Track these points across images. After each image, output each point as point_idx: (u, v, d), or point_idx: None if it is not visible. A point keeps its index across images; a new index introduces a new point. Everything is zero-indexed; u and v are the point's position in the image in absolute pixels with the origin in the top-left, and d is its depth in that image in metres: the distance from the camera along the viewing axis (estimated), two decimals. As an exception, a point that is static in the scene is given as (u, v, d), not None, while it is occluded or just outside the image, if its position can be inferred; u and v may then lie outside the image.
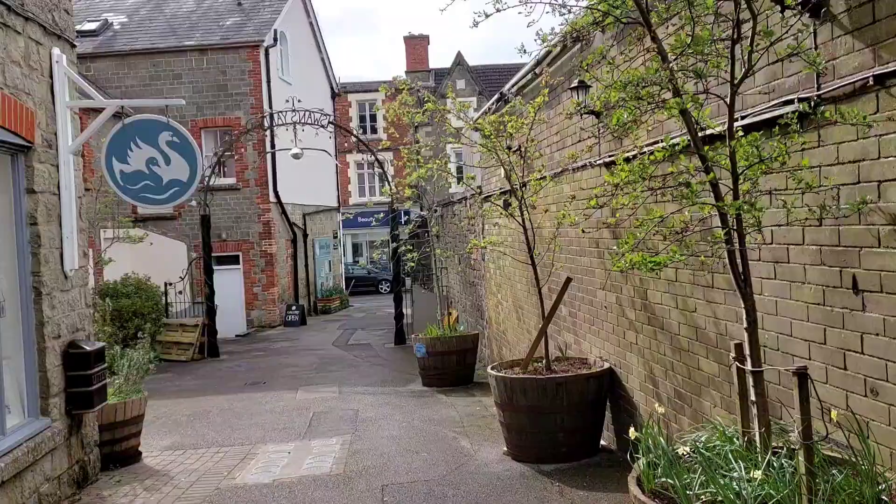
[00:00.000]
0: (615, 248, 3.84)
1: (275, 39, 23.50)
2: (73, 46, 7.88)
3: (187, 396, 12.95)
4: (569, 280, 7.13)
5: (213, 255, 23.29)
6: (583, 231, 7.28)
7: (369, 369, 14.88)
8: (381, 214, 17.72)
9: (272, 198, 23.43)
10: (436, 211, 18.79)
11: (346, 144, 37.95)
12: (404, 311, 18.77)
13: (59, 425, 6.89)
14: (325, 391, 12.56)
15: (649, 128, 5.83)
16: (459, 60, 38.85)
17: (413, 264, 14.82)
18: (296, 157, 18.89)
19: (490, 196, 12.51)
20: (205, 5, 25.68)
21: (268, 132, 21.27)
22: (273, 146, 22.50)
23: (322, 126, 18.26)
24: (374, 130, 39.26)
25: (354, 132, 19.09)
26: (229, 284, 23.33)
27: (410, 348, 17.21)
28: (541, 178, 7.95)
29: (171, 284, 18.65)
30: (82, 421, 7.38)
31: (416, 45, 40.82)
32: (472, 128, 9.43)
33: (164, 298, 18.70)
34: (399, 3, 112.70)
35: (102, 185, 21.09)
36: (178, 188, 7.41)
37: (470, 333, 12.64)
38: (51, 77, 7.22)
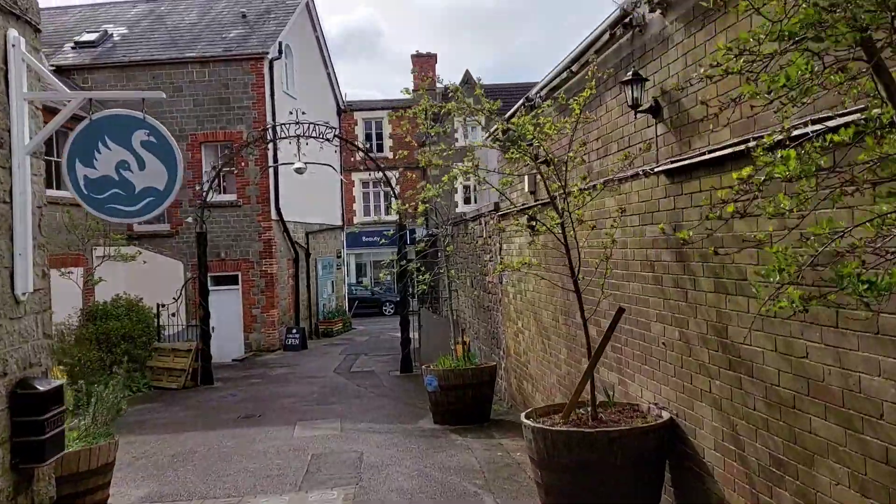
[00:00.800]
0: (763, 277, 2.54)
1: (280, 52, 22.45)
2: (38, 31, 6.69)
3: (174, 431, 11.65)
4: (621, 311, 5.87)
5: (210, 274, 22.08)
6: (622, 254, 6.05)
7: (374, 401, 13.57)
8: (390, 233, 16.48)
9: (274, 215, 22.25)
10: (447, 229, 17.59)
11: (351, 161, 36.88)
12: (411, 335, 17.49)
13: (1, 483, 5.62)
14: (325, 427, 11.26)
15: (734, 120, 4.62)
16: (468, 79, 37.72)
17: (425, 287, 13.55)
18: (299, 171, 17.73)
19: (509, 213, 11.30)
20: (208, 17, 24.69)
21: (270, 146, 20.13)
22: (276, 160, 21.34)
23: (327, 139, 17.13)
24: (380, 149, 38.17)
25: (360, 145, 17.98)
26: (227, 306, 22.09)
27: (417, 377, 15.93)
28: (586, 189, 6.70)
29: (163, 306, 17.42)
30: (33, 476, 6.09)
31: (424, 64, 39.81)
32: (502, 129, 8.20)
33: (156, 321, 17.43)
34: (401, 29, 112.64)
35: None
36: (154, 198, 6.17)
37: (487, 365, 11.35)
38: (4, 64, 6.02)
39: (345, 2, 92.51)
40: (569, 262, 5.98)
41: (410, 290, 17.88)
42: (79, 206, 16.87)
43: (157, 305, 17.35)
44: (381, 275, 13.97)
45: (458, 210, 32.25)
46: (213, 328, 22.08)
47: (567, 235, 6.33)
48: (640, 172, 6.13)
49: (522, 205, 10.38)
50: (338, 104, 29.44)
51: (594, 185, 6.75)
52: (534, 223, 9.81)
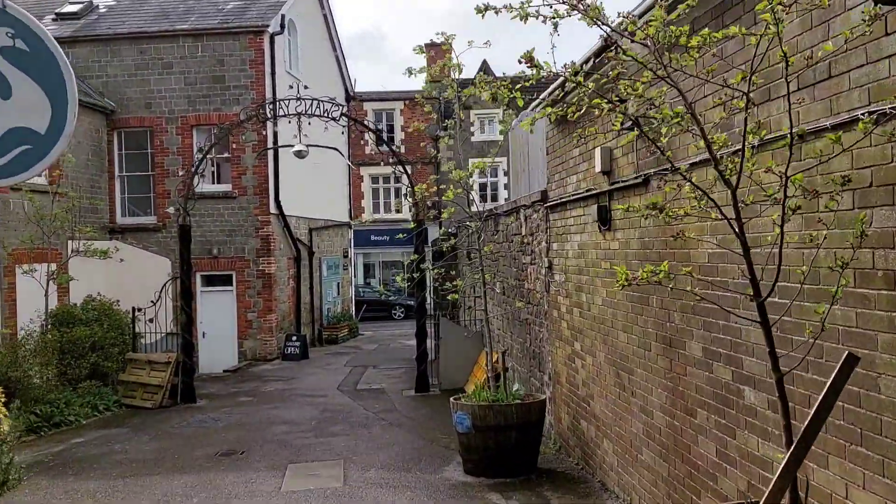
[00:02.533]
0: None
1: (282, 26, 19.88)
2: None
3: (130, 475, 9.05)
4: (853, 360, 3.23)
5: (201, 273, 19.59)
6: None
7: (386, 433, 10.96)
8: (402, 235, 13.92)
9: (273, 209, 19.67)
10: (477, 224, 14.99)
11: (360, 155, 34.35)
12: (428, 349, 14.88)
13: None
14: (324, 475, 8.66)
15: None
16: (485, 68, 35.19)
17: (457, 297, 10.94)
18: (299, 155, 15.15)
19: (564, 202, 8.68)
20: (204, -11, 22.13)
21: (268, 126, 17.55)
22: (276, 142, 18.73)
23: (333, 119, 14.54)
24: (391, 141, 35.56)
25: (370, 125, 15.39)
26: (220, 309, 19.54)
27: (435, 399, 13.34)
28: (773, 141, 3.99)
29: (140, 310, 14.84)
30: None
31: (437, 54, 37.25)
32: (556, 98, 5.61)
33: (131, 328, 14.84)
34: (406, 31, 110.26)
35: (63, 186, 17.42)
36: (31, 147, 3.59)
37: (535, 400, 8.67)
38: None
39: (346, 5, 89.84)
40: (749, 269, 3.34)
41: (430, 296, 15.30)
42: (45, 193, 14.19)
43: (133, 310, 14.78)
44: (398, 279, 11.16)
45: (473, 209, 29.60)
46: (203, 334, 19.59)
47: (735, 220, 3.65)
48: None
49: (587, 191, 7.76)
50: (347, 90, 26.85)
51: (799, 137, 3.99)
52: (607, 214, 7.19)
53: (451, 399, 8.72)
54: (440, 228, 35.57)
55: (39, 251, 14.59)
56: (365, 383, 15.75)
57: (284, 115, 14.58)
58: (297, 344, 19.68)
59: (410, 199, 14.23)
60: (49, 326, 14.44)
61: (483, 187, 33.74)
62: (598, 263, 7.56)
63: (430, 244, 18.31)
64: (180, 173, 14.86)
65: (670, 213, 3.96)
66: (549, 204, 9.39)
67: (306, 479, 8.53)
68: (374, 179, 35.84)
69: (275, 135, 18.67)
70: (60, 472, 9.26)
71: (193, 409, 13.61)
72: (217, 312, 19.55)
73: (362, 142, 34.90)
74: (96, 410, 13.12)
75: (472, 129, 34.75)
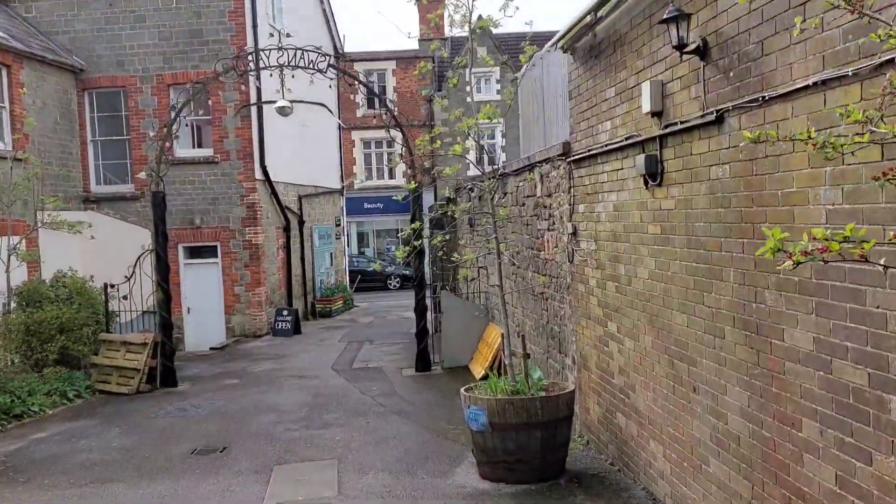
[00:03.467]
0: None
1: (263, -25, 18.16)
2: None
3: (89, 483, 7.72)
4: None
5: (184, 245, 18.15)
6: None
7: (386, 423, 9.64)
8: (400, 197, 12.46)
9: (258, 174, 18.14)
10: (471, 190, 13.54)
11: (351, 119, 32.67)
12: (429, 324, 13.53)
13: None
14: (314, 482, 7.34)
15: None
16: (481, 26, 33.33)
17: (468, 271, 9.50)
18: (282, 111, 13.58)
19: (594, 154, 7.25)
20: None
21: (250, 83, 15.94)
22: (259, 98, 17.10)
23: (319, 70, 12.98)
24: (383, 104, 33.85)
25: (363, 80, 13.80)
26: (205, 283, 18.13)
27: (438, 379, 12.05)
28: None
29: (113, 287, 13.39)
30: None
31: (430, 10, 35.36)
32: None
33: (105, 306, 13.39)
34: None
35: (29, 153, 15.79)
36: None
37: (563, 391, 7.27)
38: None
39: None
40: None
41: (428, 268, 13.92)
42: (5, 160, 12.54)
43: (105, 286, 13.32)
44: (397, 252, 9.67)
45: (470, 172, 28.11)
46: (188, 310, 18.22)
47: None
48: None
49: (628, 138, 6.32)
50: (335, 46, 25.07)
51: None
52: (657, 166, 5.78)
53: (462, 391, 7.37)
54: (435, 195, 34.12)
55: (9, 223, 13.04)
56: (361, 361, 14.43)
57: (266, 68, 12.99)
58: (289, 318, 18.31)
59: (407, 158, 12.78)
60: (13, 306, 13.03)
61: (479, 148, 32.17)
62: (643, 227, 6.16)
63: (426, 211, 16.85)
64: (151, 134, 13.31)
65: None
66: (573, 158, 7.95)
67: (294, 486, 7.21)
68: (367, 144, 34.18)
69: (258, 91, 17.04)
70: (10, 480, 7.91)
71: (173, 394, 12.26)
72: (202, 286, 18.14)
73: (354, 101, 33.16)
74: (65, 398, 11.75)
75: (467, 88, 32.98)
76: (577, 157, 7.80)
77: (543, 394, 7.05)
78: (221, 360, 15.26)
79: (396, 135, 14.91)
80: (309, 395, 11.50)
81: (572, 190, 8.11)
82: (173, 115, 12.97)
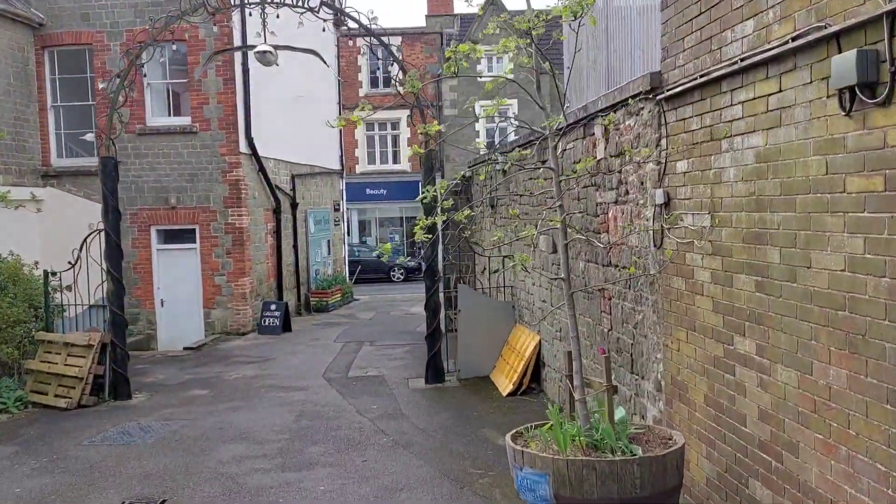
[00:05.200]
0: None
1: (252, -81, 15.45)
2: None
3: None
4: None
5: (157, 228, 15.57)
6: None
7: (388, 463, 7.04)
8: (416, 151, 9.87)
9: (243, 147, 15.52)
10: (494, 159, 10.89)
11: (353, 98, 29.98)
12: (442, 323, 10.90)
13: None
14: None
15: None
16: (493, 0, 30.70)
17: (496, 267, 6.78)
18: (264, 59, 10.94)
19: (720, 79, 4.63)
20: None
21: (234, 34, 13.30)
22: (244, 41, 14.45)
23: (310, 9, 10.39)
24: (387, 83, 31.15)
25: (358, 17, 11.16)
26: (181, 271, 15.56)
27: (454, 393, 9.46)
28: None
29: (54, 275, 10.76)
30: None
31: (439, -15, 32.74)
32: None
33: (45, 298, 10.74)
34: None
35: None
36: None
37: (668, 446, 4.61)
38: None
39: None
40: None
41: (443, 256, 11.33)
42: None
43: (46, 274, 10.68)
44: (417, 225, 6.92)
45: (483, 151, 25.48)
46: (161, 302, 15.63)
47: None
48: None
49: (796, 36, 3.70)
50: (337, 14, 22.28)
51: None
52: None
53: (509, 441, 4.76)
54: (442, 181, 31.63)
55: None
56: (359, 367, 11.84)
57: (245, 4, 10.36)
58: (277, 314, 15.72)
59: (401, 88, 10.17)
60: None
61: (490, 133, 29.54)
62: (835, 183, 3.54)
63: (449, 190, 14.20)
64: (100, 85, 10.71)
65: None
66: (668, 93, 5.32)
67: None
68: (369, 126, 31.51)
69: (243, 37, 14.41)
70: None
71: (123, 409, 9.67)
72: (178, 276, 15.57)
73: (357, 80, 30.59)
74: (-17, 415, 9.19)
75: (478, 67, 30.33)
76: (676, 89, 5.18)
77: (639, 450, 4.43)
78: (193, 364, 12.67)
79: (399, 119, 12.23)
80: (291, 415, 8.92)
81: (665, 141, 5.49)
82: (126, 62, 10.30)
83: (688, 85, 5.01)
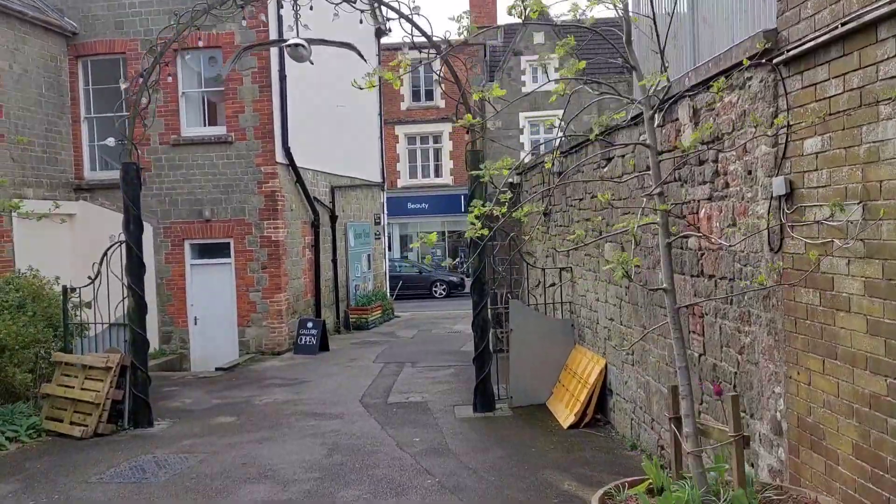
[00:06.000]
0: None
1: (289, -79, 14.69)
2: None
3: None
4: None
5: (191, 242, 14.77)
6: None
7: (434, 512, 5.87)
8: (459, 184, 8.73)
9: (280, 156, 14.66)
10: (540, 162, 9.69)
11: (394, 112, 29.20)
12: (490, 344, 9.70)
13: None
14: None
15: None
16: (539, 9, 29.58)
17: (623, 272, 5.61)
18: (296, 55, 9.94)
19: (873, 22, 3.39)
20: None
21: (269, 23, 12.44)
22: (281, 58, 13.67)
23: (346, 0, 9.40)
24: (429, 96, 30.31)
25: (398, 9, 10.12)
26: (215, 287, 14.71)
27: (507, 424, 8.24)
28: None
29: (73, 291, 9.90)
30: None
31: (482, 4, 31.81)
32: None
33: (63, 317, 9.87)
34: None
35: (2, 127, 12.20)
36: None
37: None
38: None
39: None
40: None
41: (493, 269, 10.18)
42: None
43: (65, 290, 9.82)
44: (470, 215, 5.76)
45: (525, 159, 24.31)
46: (195, 320, 14.79)
47: None
48: None
49: None
50: (377, 19, 21.48)
51: None
52: None
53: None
54: (484, 197, 30.46)
55: None
56: (400, 392, 10.70)
57: (275, -5, 9.44)
58: (314, 332, 14.72)
59: (447, 81, 9.20)
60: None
61: (535, 147, 28.31)
62: None
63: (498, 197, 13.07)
64: (122, 87, 9.89)
65: None
66: (796, 51, 4.09)
67: None
68: (411, 139, 30.64)
69: (279, 33, 13.57)
70: None
71: (142, 439, 8.70)
72: (212, 292, 14.72)
73: (398, 93, 29.76)
74: (-10, 444, 8.30)
75: (522, 78, 29.25)
76: (802, 47, 3.95)
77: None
78: (224, 387, 11.71)
79: (441, 132, 11.15)
80: (323, 449, 7.81)
81: (784, 116, 4.26)
82: (152, 58, 9.45)
83: (822, 38, 3.79)
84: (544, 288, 9.95)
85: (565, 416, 8.38)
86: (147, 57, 9.51)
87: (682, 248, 5.94)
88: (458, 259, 30.93)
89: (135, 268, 9.30)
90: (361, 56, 11.05)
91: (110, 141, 13.57)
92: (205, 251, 14.83)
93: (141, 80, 9.36)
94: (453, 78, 9.49)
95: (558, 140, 9.22)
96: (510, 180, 14.58)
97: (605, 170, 7.77)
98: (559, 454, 7.23)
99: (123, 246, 9.39)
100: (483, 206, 4.45)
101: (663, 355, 6.48)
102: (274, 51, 14.22)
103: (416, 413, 9.34)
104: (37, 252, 13.27)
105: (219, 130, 14.71)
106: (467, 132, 9.74)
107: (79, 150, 14.94)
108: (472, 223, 4.38)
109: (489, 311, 9.93)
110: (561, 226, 10.03)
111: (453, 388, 10.70)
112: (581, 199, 8.96)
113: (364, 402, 10.08)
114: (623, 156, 7.28)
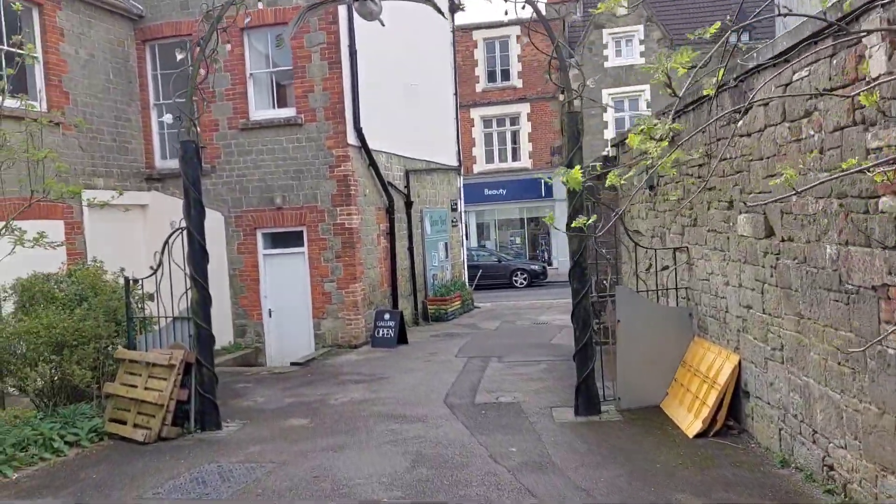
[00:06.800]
0: None
1: None
2: None
3: None
4: None
5: (263, 231, 14.01)
6: None
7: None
8: (546, 178, 7.42)
9: (351, 138, 13.68)
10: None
11: (469, 95, 27.99)
12: (593, 337, 8.33)
13: None
14: None
15: None
16: (618, -21, 27.70)
17: (666, 264, 3.86)
18: (364, 9, 8.79)
19: None
20: None
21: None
22: (350, 19, 12.73)
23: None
24: (505, 76, 28.93)
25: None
26: (288, 278, 13.91)
27: (614, 430, 6.89)
28: None
29: (136, 282, 9.14)
30: None
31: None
32: None
33: (126, 310, 9.14)
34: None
35: (71, 115, 11.57)
36: None
37: None
38: None
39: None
40: None
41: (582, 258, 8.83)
42: (20, 119, 8.15)
43: (126, 281, 9.06)
44: (570, 180, 4.46)
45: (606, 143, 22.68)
46: (269, 312, 14.02)
47: None
48: None
49: None
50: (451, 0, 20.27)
51: None
52: None
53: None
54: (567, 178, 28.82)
55: (32, 203, 8.89)
56: (488, 391, 9.52)
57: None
58: (391, 324, 13.71)
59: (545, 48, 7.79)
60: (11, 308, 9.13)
61: (620, 123, 26.56)
62: None
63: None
64: (178, 56, 9.08)
65: None
66: None
67: None
68: (487, 122, 29.34)
69: (349, 17, 12.59)
70: None
71: (207, 445, 7.83)
72: (285, 283, 13.92)
73: (473, 75, 28.59)
74: (50, 450, 7.58)
75: (604, 52, 27.48)
76: None
77: None
78: (298, 383, 10.82)
79: (518, 113, 9.82)
80: (406, 461, 6.71)
81: None
82: (210, 25, 8.56)
83: None
84: (656, 272, 8.54)
85: (689, 423, 6.99)
86: (203, 23, 8.59)
87: (866, 211, 4.50)
88: (537, 252, 29.52)
89: (197, 257, 8.44)
90: (440, 11, 9.86)
91: (168, 118, 12.89)
92: (277, 240, 14.03)
93: (198, 48, 8.45)
94: (545, 29, 8.15)
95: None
96: (605, 152, 13.15)
97: (740, 125, 6.32)
98: (692, 472, 5.88)
99: (185, 233, 8.54)
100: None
101: (831, 352, 5.05)
102: (343, 22, 13.25)
103: (508, 416, 8.14)
104: (109, 243, 12.76)
105: (288, 112, 13.85)
106: (562, 92, 8.43)
107: (149, 139, 14.39)
108: (574, 188, 3.12)
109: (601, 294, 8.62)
110: (672, 199, 8.58)
111: (548, 387, 9.44)
112: (701, 166, 7.52)
113: (449, 403, 8.95)
114: (767, 103, 5.82)
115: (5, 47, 10.62)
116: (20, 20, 11.64)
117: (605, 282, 9.33)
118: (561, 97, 8.21)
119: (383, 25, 9.29)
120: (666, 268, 8.54)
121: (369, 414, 8.63)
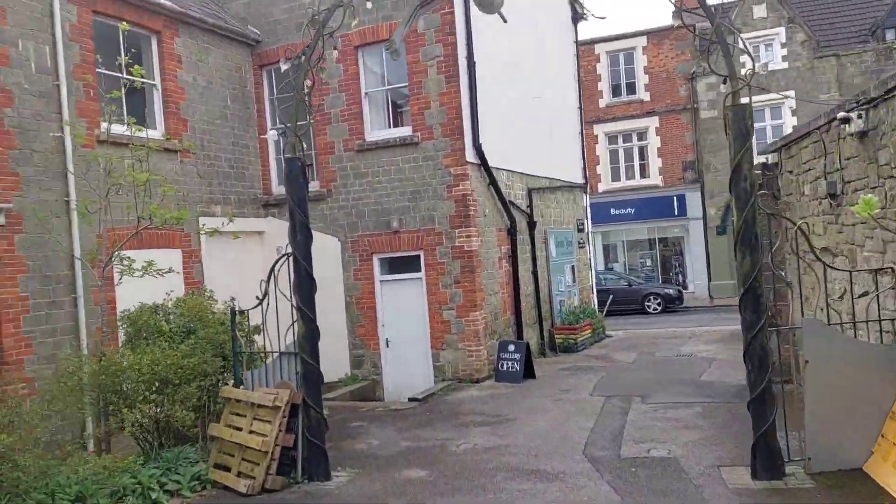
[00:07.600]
0: None
1: None
2: None
3: None
4: None
5: (380, 256, 13.19)
6: None
7: None
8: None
9: (470, 156, 12.64)
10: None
11: (592, 111, 26.44)
12: (756, 374, 6.67)
13: None
14: None
15: None
16: (755, -22, 25.51)
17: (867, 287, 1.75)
18: (485, 2, 7.77)
19: None
20: None
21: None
22: (468, 27, 11.76)
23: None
24: (631, 90, 27.15)
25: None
26: (405, 305, 12.99)
27: (804, 498, 5.16)
28: None
29: (242, 313, 8.39)
30: None
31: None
32: None
33: (232, 343, 8.43)
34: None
35: (189, 141, 11.11)
36: None
37: None
38: None
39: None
40: None
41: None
42: (160, 151, 7.77)
43: (232, 312, 8.35)
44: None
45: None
46: (386, 342, 13.14)
47: None
48: None
49: None
50: (574, 7, 18.98)
51: None
52: None
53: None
54: (703, 197, 26.39)
55: (139, 230, 8.54)
56: (634, 440, 8.00)
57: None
58: (517, 356, 12.42)
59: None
60: (121, 341, 8.69)
61: (760, 134, 24.07)
62: None
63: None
64: (283, 67, 8.32)
65: None
66: None
67: None
68: (612, 139, 27.60)
69: (466, 20, 11.62)
70: None
71: (313, 499, 6.86)
72: (401, 310, 13.01)
73: (597, 90, 27.07)
74: (147, 501, 6.87)
75: (741, 58, 25.09)
76: None
77: None
78: (415, 423, 9.74)
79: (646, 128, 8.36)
80: (543, 536, 5.38)
81: None
82: (316, 23, 7.78)
83: None
84: (850, 299, 6.76)
85: (922, 502, 5.23)
86: (308, 29, 7.84)
87: None
88: (669, 275, 27.32)
89: (304, 285, 7.58)
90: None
91: (272, 134, 12.36)
92: (394, 266, 13.17)
93: (303, 57, 7.69)
94: (701, 6, 6.75)
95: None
96: (763, 160, 11.37)
97: None
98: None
99: (291, 259, 7.73)
100: None
101: None
102: (461, 31, 12.31)
103: (665, 477, 6.62)
104: (226, 272, 12.39)
105: (404, 131, 13.02)
106: (724, 82, 6.96)
107: (266, 164, 14.03)
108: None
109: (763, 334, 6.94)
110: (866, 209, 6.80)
111: (708, 438, 7.80)
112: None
113: (589, 455, 7.53)
114: None
115: (123, 76, 10.44)
116: (140, 49, 11.54)
117: (801, 313, 7.60)
118: (722, 87, 6.74)
119: (505, 21, 8.17)
120: (865, 293, 6.75)
121: (496, 467, 7.37)
